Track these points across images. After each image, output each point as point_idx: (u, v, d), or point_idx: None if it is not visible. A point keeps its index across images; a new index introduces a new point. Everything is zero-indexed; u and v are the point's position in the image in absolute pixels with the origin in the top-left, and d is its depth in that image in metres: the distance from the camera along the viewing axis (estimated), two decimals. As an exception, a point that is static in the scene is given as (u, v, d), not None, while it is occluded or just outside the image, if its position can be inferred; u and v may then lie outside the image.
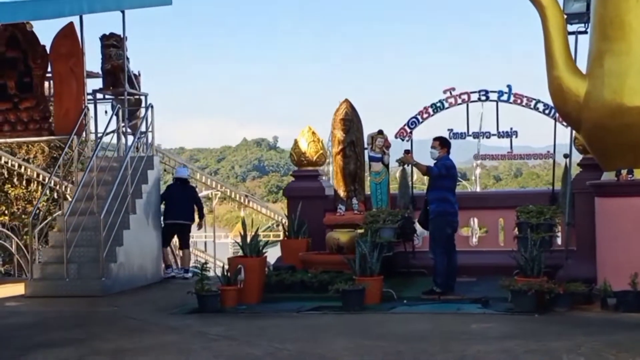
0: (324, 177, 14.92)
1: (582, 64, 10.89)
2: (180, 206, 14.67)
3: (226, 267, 11.34)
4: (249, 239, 11.59)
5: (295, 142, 14.52)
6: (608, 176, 10.63)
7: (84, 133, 14.35)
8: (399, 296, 11.30)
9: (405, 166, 13.90)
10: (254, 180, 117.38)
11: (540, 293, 10.02)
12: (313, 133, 14.48)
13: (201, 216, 15.23)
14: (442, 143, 11.58)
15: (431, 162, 11.62)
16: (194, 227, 15.32)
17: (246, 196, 29.68)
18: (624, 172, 10.24)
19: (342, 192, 13.97)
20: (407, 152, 12.10)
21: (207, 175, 32.59)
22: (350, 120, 13.95)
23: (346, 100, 14.08)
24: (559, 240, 13.10)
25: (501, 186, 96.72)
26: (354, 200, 13.72)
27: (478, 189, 43.52)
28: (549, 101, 11.67)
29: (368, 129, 14.09)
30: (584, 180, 11.52)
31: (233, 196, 30.31)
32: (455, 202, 11.51)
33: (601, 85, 10.33)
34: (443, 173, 11.33)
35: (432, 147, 11.59)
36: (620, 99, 10.14)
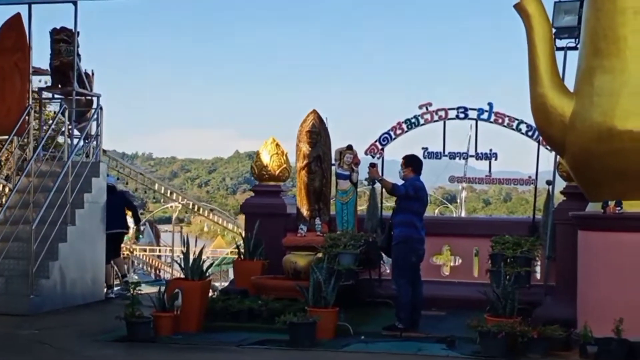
0: (287, 194, 13.72)
1: (570, 83, 9.78)
2: (110, 215, 13.36)
3: (162, 290, 10.12)
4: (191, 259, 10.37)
5: (257, 154, 13.36)
6: (594, 207, 9.49)
7: (25, 134, 13.13)
8: (357, 331, 10.13)
9: (375, 185, 12.77)
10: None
11: (512, 336, 8.86)
12: (277, 145, 13.32)
13: (136, 221, 13.98)
14: (407, 162, 10.44)
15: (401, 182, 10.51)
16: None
17: (211, 210, 28.43)
18: (611, 203, 9.09)
19: (305, 211, 12.80)
20: (372, 165, 10.96)
21: (168, 186, 31.35)
22: (318, 133, 12.80)
23: (314, 111, 12.93)
24: (537, 275, 11.96)
25: (490, 210, 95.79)
26: (317, 221, 12.54)
27: (464, 213, 42.50)
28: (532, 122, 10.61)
29: (337, 144, 12.97)
30: (567, 211, 10.38)
31: (196, 209, 29.05)
32: (422, 227, 10.38)
33: (590, 105, 9.21)
34: (410, 194, 10.20)
35: (401, 165, 10.51)
36: (610, 121, 9.01)
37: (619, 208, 9.03)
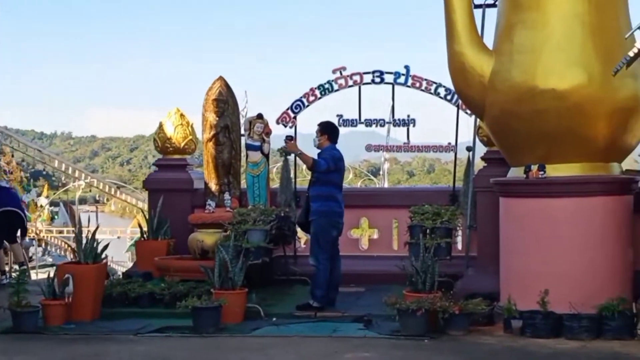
0: (193, 168, 12.83)
1: (490, 42, 9.14)
2: None
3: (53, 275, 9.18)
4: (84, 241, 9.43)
5: (160, 125, 12.41)
6: (516, 173, 8.92)
7: None
8: (268, 313, 9.39)
9: (288, 156, 12.00)
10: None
11: (432, 312, 8.24)
12: (182, 116, 12.42)
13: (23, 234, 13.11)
14: (323, 129, 9.71)
15: (316, 152, 9.77)
16: None
17: (118, 187, 27.22)
18: (534, 168, 8.52)
19: (213, 186, 11.96)
20: (289, 138, 10.20)
21: (69, 163, 29.96)
22: (225, 102, 11.95)
23: (220, 78, 12.06)
24: (459, 245, 11.42)
25: (414, 182, 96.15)
26: (226, 196, 11.70)
27: (386, 185, 42.06)
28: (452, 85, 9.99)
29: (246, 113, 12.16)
30: (487, 177, 9.81)
31: (102, 187, 27.82)
32: (342, 200, 9.68)
33: (510, 63, 8.60)
34: (331, 168, 9.47)
35: (316, 132, 9.76)
36: (531, 79, 8.41)
37: (542, 172, 8.47)
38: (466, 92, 9.08)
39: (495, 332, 8.32)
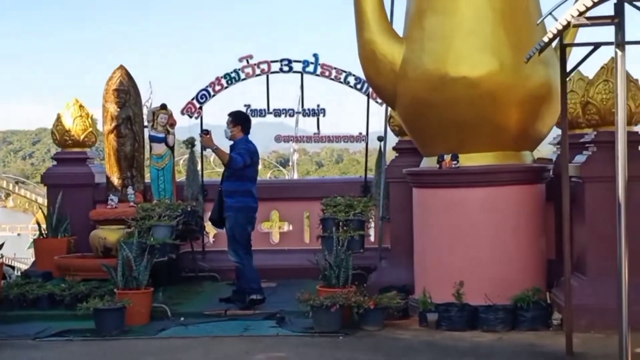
0: (94, 161, 12.25)
1: (400, 28, 8.94)
2: None
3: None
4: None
5: (58, 117, 11.78)
6: (428, 163, 8.76)
7: None
8: (176, 312, 8.99)
9: (194, 148, 11.59)
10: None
11: (346, 308, 7.99)
12: (81, 107, 11.82)
13: None
14: (235, 119, 9.30)
15: (227, 144, 9.37)
16: None
17: (17, 182, 26.12)
18: (447, 157, 8.36)
19: (115, 180, 11.41)
20: (205, 133, 9.48)
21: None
22: (126, 92, 11.40)
23: (121, 67, 11.51)
24: (372, 237, 11.22)
25: (323, 172, 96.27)
26: (130, 190, 11.18)
27: (296, 176, 41.76)
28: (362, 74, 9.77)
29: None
30: (400, 167, 9.60)
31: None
32: (257, 194, 9.34)
33: (421, 50, 8.41)
34: (248, 162, 9.10)
35: (226, 123, 9.31)
36: (443, 67, 8.25)
37: (455, 162, 8.32)
38: (377, 81, 8.85)
39: (411, 326, 8.15)
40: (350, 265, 8.53)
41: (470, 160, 8.34)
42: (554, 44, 7.45)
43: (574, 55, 8.55)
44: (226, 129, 9.30)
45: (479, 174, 8.28)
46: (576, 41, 8.09)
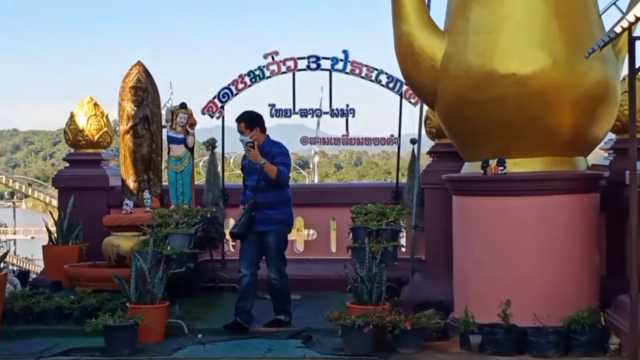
0: (109, 163, 11.57)
1: (441, 20, 8.19)
2: None
3: None
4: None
5: (72, 116, 11.11)
6: (471, 168, 7.99)
7: None
8: (193, 328, 8.29)
9: (214, 150, 10.90)
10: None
11: (380, 328, 7.24)
12: (95, 105, 11.14)
13: None
14: (250, 120, 8.42)
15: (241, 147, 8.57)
16: None
17: (29, 184, 25.52)
18: (492, 163, 7.60)
19: (131, 183, 10.75)
20: (251, 146, 8.08)
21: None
22: (144, 90, 10.73)
23: (139, 63, 10.84)
24: (403, 247, 10.46)
25: (342, 175, 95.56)
26: (146, 194, 10.49)
27: (316, 179, 41.01)
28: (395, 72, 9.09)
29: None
30: (437, 173, 8.87)
31: (11, 184, 26.10)
32: None
33: (465, 45, 7.66)
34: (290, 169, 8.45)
35: (239, 130, 8.39)
36: (489, 63, 7.50)
37: (501, 168, 7.55)
38: (415, 78, 8.11)
39: (452, 349, 7.39)
40: (384, 279, 7.78)
41: (518, 166, 7.58)
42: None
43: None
44: (243, 137, 8.26)
45: (528, 182, 7.51)
46: None
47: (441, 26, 8.02)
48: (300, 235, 11.59)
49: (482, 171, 7.64)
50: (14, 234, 38.66)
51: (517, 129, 7.48)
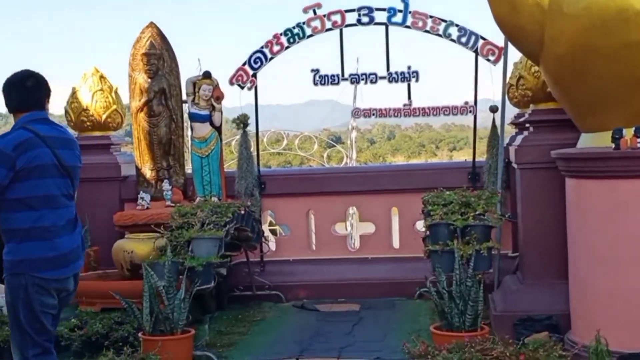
0: (120, 148, 9.68)
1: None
2: None
3: None
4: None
5: (73, 92, 9.20)
6: (593, 141, 5.94)
7: None
8: (225, 357, 6.39)
9: (246, 129, 8.97)
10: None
11: (484, 365, 5.24)
12: (102, 78, 9.21)
13: None
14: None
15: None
16: None
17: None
18: (627, 133, 5.54)
19: (147, 172, 8.88)
20: None
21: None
22: (159, 57, 8.83)
23: (151, 25, 8.92)
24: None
25: (375, 150, 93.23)
26: (166, 185, 8.60)
27: (354, 156, 38.76)
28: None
29: (188, 73, 9.00)
30: (536, 148, 6.86)
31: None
32: None
33: (584, -27, 5.59)
34: None
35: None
36: (622, -4, 5.42)
37: (640, 140, 5.50)
38: (513, 22, 6.04)
39: (581, 391, 5.40)
40: (480, 296, 5.78)
41: (663, 136, 5.52)
42: None
43: None
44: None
45: (680, 158, 5.46)
46: None
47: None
48: (354, 230, 9.62)
49: (612, 145, 5.58)
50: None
51: (662, 85, 5.42)
